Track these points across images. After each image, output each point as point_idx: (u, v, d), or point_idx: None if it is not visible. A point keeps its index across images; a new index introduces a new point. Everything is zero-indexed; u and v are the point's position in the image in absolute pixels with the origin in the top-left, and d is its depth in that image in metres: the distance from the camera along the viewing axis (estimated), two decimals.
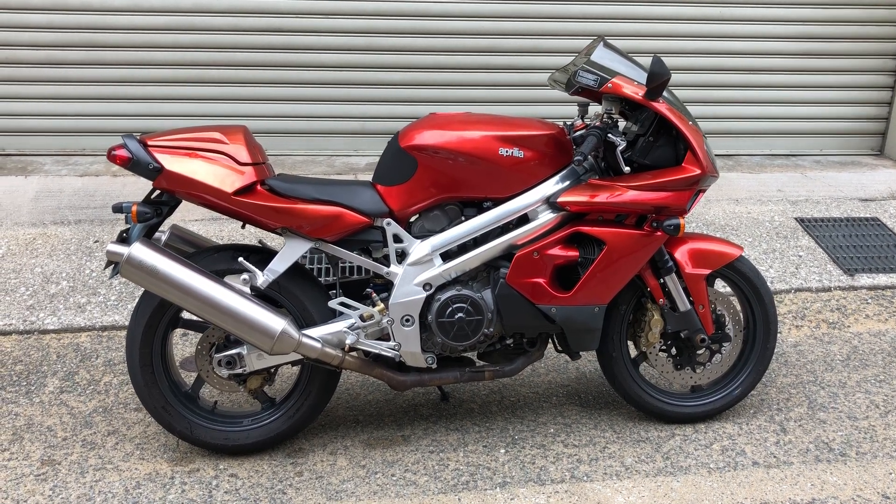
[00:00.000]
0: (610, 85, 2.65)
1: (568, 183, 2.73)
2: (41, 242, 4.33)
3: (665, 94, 2.74)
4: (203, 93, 5.35)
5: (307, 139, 5.52)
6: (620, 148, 2.64)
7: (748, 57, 5.68)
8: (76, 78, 5.25)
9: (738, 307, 3.06)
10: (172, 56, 5.27)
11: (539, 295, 2.72)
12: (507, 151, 2.67)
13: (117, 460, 2.84)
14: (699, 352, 2.96)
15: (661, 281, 2.88)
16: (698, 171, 2.70)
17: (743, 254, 2.95)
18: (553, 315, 2.74)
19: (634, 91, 2.65)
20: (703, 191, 2.83)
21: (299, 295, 2.75)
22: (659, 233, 2.73)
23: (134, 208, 2.63)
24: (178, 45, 5.26)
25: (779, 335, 3.75)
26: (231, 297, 2.58)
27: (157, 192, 2.73)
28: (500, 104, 5.52)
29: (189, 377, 3.08)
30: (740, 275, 2.95)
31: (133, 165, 2.60)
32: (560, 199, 2.69)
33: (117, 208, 2.68)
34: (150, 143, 2.65)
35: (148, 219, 2.64)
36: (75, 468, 2.80)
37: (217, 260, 2.73)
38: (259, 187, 2.66)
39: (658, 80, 2.54)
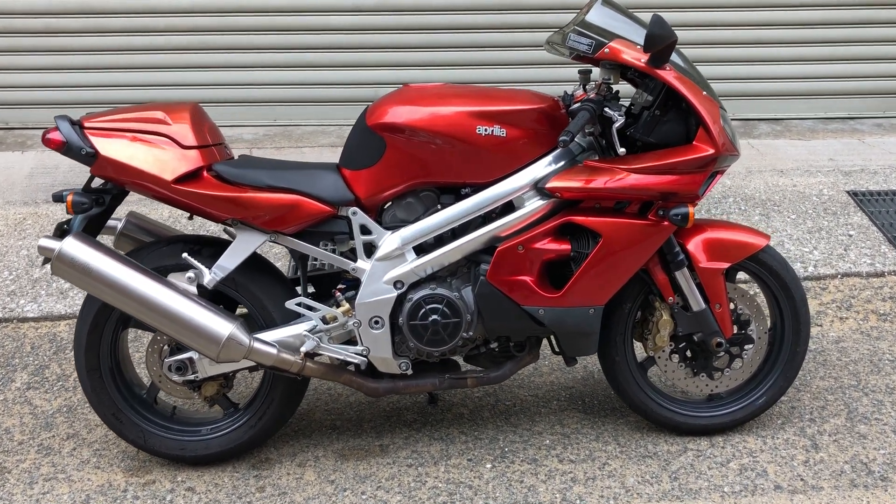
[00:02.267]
0: (607, 50, 2.26)
1: (560, 165, 2.36)
2: (31, 223, 4.13)
3: (675, 58, 2.33)
4: (206, 60, 5.07)
5: (316, 108, 5.20)
6: (617, 125, 2.25)
7: (798, 9, 5.12)
8: (77, 47, 5.02)
9: (765, 304, 2.66)
10: (174, 21, 5.00)
11: (524, 295, 2.37)
12: (485, 130, 2.31)
13: (71, 469, 2.62)
14: (717, 356, 2.57)
15: (672, 276, 2.50)
16: (711, 151, 2.29)
17: (769, 243, 2.54)
18: (541, 317, 2.39)
19: (636, 57, 2.25)
20: (721, 172, 2.43)
21: (258, 293, 2.46)
22: (665, 222, 2.35)
23: (69, 198, 2.36)
24: (179, 9, 4.98)
25: (819, 328, 3.32)
26: (173, 298, 2.30)
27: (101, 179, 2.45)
28: (515, 67, 5.10)
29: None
30: (766, 268, 2.55)
31: (67, 150, 2.33)
32: (549, 185, 2.33)
33: (57, 197, 2.42)
34: (86, 124, 2.37)
35: (86, 209, 2.38)
36: (24, 477, 2.59)
37: (166, 254, 2.45)
38: (205, 174, 2.36)
39: (658, 43, 2.13)
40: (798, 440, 2.66)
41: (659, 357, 2.59)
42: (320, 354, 2.45)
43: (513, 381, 3.02)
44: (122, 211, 2.71)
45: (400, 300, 2.41)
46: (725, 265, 2.48)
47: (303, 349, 2.38)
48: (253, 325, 2.48)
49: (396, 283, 2.41)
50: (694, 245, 2.47)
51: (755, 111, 5.26)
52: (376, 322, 2.43)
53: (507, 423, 2.78)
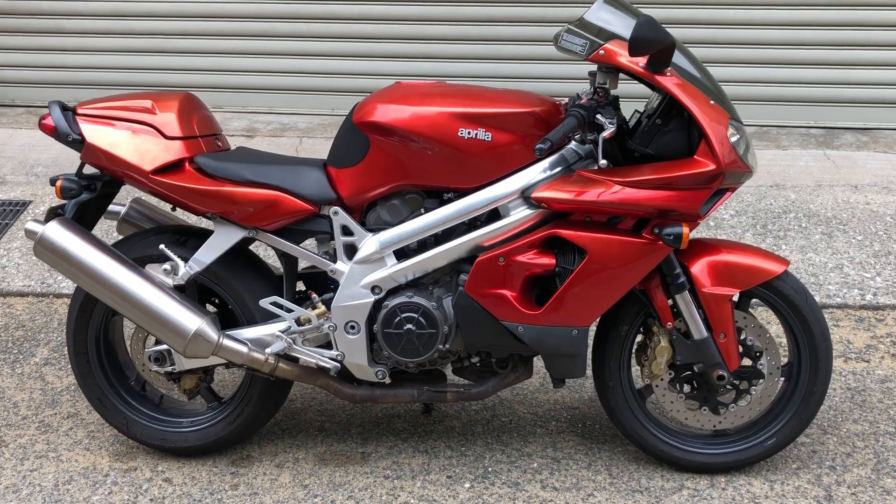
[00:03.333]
0: (602, 52, 2.08)
1: (552, 173, 2.20)
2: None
3: (680, 62, 2.12)
4: (263, 47, 5.08)
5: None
6: (605, 133, 2.07)
7: (889, 8, 4.67)
8: (139, 30, 5.14)
9: (782, 334, 2.42)
10: (233, 8, 5.03)
11: (503, 309, 2.23)
12: (468, 133, 2.17)
13: (62, 448, 2.67)
14: (720, 390, 2.36)
15: (672, 300, 2.30)
16: (712, 167, 2.08)
17: (787, 269, 2.30)
18: (520, 335, 2.24)
19: (633, 60, 2.06)
20: (732, 189, 2.21)
21: (239, 288, 2.42)
22: (661, 241, 2.15)
23: (58, 183, 2.38)
24: None
25: (866, 364, 3.01)
26: (144, 288, 2.28)
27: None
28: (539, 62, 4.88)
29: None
30: (781, 297, 2.31)
31: (57, 136, 2.35)
32: (536, 194, 2.17)
33: (53, 180, 2.44)
34: (79, 110, 2.38)
35: (74, 195, 2.39)
36: (19, 453, 2.65)
37: (153, 244, 2.44)
38: (187, 165, 2.33)
39: (646, 48, 1.94)
40: (811, 489, 2.40)
41: (657, 386, 2.40)
42: (295, 356, 2.38)
43: (514, 396, 2.87)
44: (130, 196, 2.72)
45: (377, 306, 2.32)
46: (733, 291, 2.26)
47: (268, 350, 2.32)
48: (235, 321, 2.45)
49: (374, 288, 2.31)
50: (698, 267, 2.26)
51: (839, 119, 4.85)
52: (352, 327, 2.34)
53: (497, 441, 2.65)
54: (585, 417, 2.76)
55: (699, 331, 2.29)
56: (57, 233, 2.30)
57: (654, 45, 1.94)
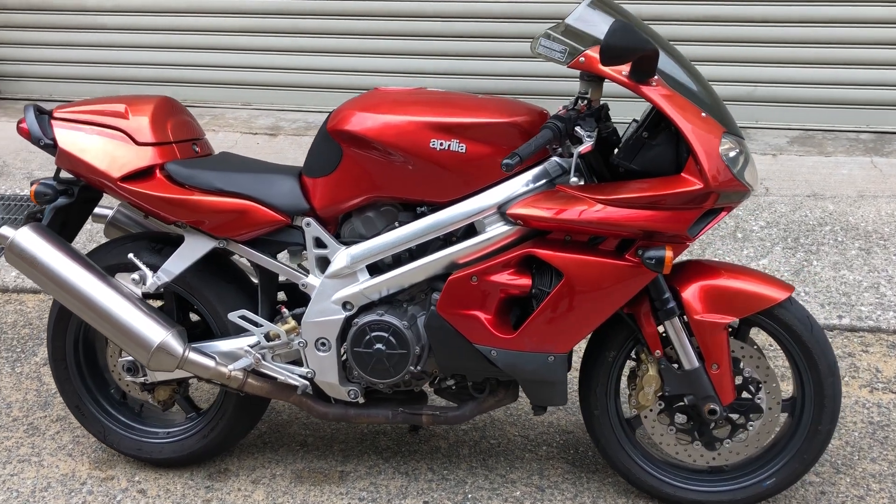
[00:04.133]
0: (582, 59, 1.92)
1: (531, 188, 2.06)
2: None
3: (671, 70, 1.95)
4: (259, 44, 5.01)
5: None
6: (581, 149, 1.91)
7: None
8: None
9: (785, 366, 2.22)
10: (222, 4, 4.98)
11: (476, 332, 2.10)
12: (440, 144, 2.04)
13: (46, 453, 2.65)
14: (714, 425, 2.18)
15: (662, 327, 2.13)
16: (699, 186, 1.91)
17: (791, 296, 2.11)
18: (494, 359, 2.11)
19: (616, 69, 1.90)
20: (727, 209, 2.03)
21: (213, 299, 2.34)
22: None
23: (33, 187, 2.34)
24: None
25: (893, 397, 2.77)
26: (111, 298, 2.23)
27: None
28: None
29: None
30: (783, 326, 2.12)
31: (32, 140, 2.31)
32: (511, 210, 2.03)
33: (33, 183, 2.41)
34: (55, 114, 2.33)
35: (49, 200, 2.35)
36: (3, 456, 2.64)
37: (128, 251, 2.38)
38: (158, 173, 2.26)
39: (618, 57, 1.78)
40: None
41: (645, 417, 2.23)
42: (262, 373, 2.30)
43: (506, 417, 2.73)
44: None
45: (348, 322, 2.21)
46: (728, 319, 2.08)
47: (231, 367, 2.24)
48: (209, 333, 2.38)
49: (345, 304, 2.21)
50: (691, 292, 2.09)
51: (893, 123, 4.53)
52: (323, 344, 2.24)
53: (482, 465, 2.52)
54: (578, 443, 2.60)
55: (690, 361, 2.12)
56: (27, 239, 2.26)
57: (629, 54, 1.78)
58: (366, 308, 2.22)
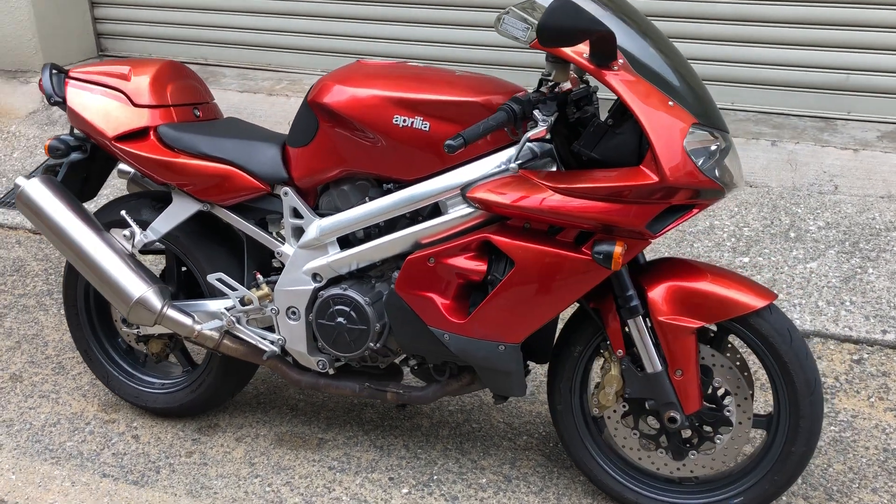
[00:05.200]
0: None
1: (498, 170, 1.99)
2: None
3: (639, 50, 1.82)
4: (384, 13, 4.98)
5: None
6: (531, 133, 1.82)
7: None
8: None
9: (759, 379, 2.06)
10: None
11: (430, 314, 2.07)
12: (403, 121, 2.01)
13: (64, 391, 2.83)
14: (676, 433, 2.06)
15: (626, 326, 2.03)
16: (654, 180, 1.78)
17: (773, 303, 1.95)
18: (447, 343, 2.07)
19: (577, 51, 1.80)
20: (700, 206, 1.89)
21: (201, 259, 2.42)
22: None
23: (47, 142, 2.48)
24: None
25: None
26: (101, 252, 2.34)
27: None
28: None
29: None
30: (759, 337, 1.97)
31: (46, 97, 2.44)
32: (471, 193, 1.97)
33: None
34: (70, 73, 2.45)
35: (61, 155, 2.48)
36: (27, 391, 2.84)
37: (123, 208, 2.47)
38: (151, 134, 2.34)
39: (558, 38, 1.67)
40: None
41: (608, 418, 2.13)
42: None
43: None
44: None
45: (316, 294, 2.23)
46: (695, 324, 1.95)
47: (199, 327, 2.31)
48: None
49: (315, 276, 2.22)
50: (658, 292, 1.97)
51: None
52: (293, 313, 2.27)
53: (457, 448, 2.49)
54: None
55: (652, 363, 2.00)
56: (35, 190, 2.40)
57: (570, 36, 1.67)
58: (335, 281, 2.22)
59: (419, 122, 2.00)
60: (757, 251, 3.26)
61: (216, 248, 2.44)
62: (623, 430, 2.13)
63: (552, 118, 1.83)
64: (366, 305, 2.15)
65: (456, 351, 2.07)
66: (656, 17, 4.18)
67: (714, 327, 2.05)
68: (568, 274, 1.92)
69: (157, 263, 3.11)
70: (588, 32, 1.67)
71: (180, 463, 2.49)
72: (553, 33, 1.65)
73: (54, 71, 2.46)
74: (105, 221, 2.46)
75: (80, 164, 2.53)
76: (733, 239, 3.34)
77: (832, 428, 2.51)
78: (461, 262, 2.02)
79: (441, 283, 2.05)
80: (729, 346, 2.08)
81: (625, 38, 1.83)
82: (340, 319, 2.18)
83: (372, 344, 2.18)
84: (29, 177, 2.47)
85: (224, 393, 2.59)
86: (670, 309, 1.96)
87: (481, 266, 2.01)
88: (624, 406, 2.11)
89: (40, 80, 2.47)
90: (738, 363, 2.07)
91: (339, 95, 2.08)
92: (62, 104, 2.42)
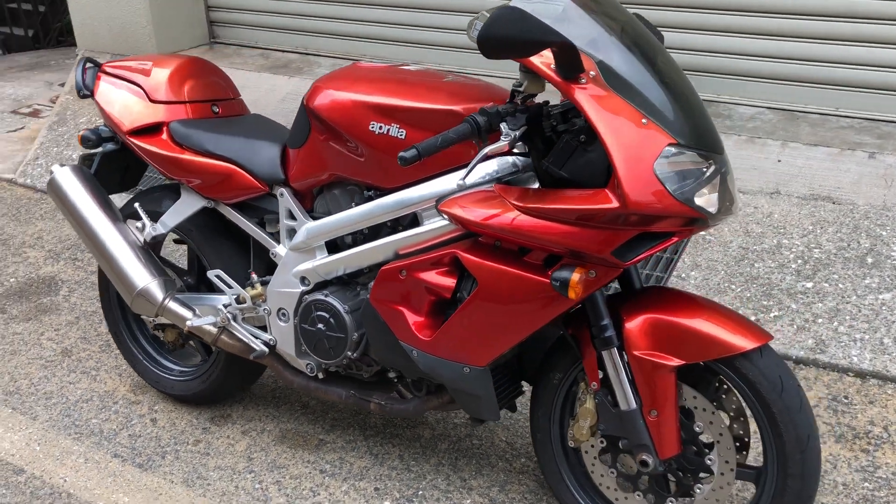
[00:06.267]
0: None
1: (476, 183, 1.89)
2: None
3: (619, 62, 1.67)
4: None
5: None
6: (487, 150, 1.70)
7: None
8: None
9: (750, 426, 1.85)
10: None
11: (401, 328, 2.00)
12: (379, 127, 1.95)
13: (104, 370, 2.98)
14: (645, 477, 1.89)
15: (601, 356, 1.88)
16: (614, 205, 1.63)
17: (768, 346, 1.75)
18: (416, 360, 2.00)
19: (546, 62, 1.67)
20: (680, 234, 1.71)
21: (211, 254, 2.47)
22: None
23: (81, 132, 2.59)
24: None
25: None
26: (113, 242, 2.43)
27: None
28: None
29: None
30: (746, 382, 1.78)
31: (77, 90, 2.55)
32: (442, 205, 1.89)
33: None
34: (103, 67, 2.55)
35: (92, 146, 2.58)
36: (72, 366, 3.01)
37: (155, 200, 2.56)
38: (164, 130, 2.39)
39: (501, 49, 1.55)
40: None
41: (586, 452, 1.99)
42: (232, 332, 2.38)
43: (503, 420, 2.58)
44: None
45: (302, 298, 2.21)
46: (674, 362, 1.78)
47: (197, 321, 2.34)
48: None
49: (303, 279, 2.21)
50: (636, 323, 1.81)
51: None
52: (283, 314, 2.27)
53: (451, 464, 2.41)
54: None
55: (627, 400, 1.85)
56: (63, 177, 2.52)
57: (519, 47, 1.54)
58: (322, 286, 2.20)
59: (395, 130, 1.93)
60: (824, 276, 2.96)
61: (225, 244, 2.47)
62: (601, 468, 1.98)
63: (517, 132, 1.71)
64: (344, 313, 2.11)
65: (424, 369, 2.00)
66: (759, 11, 3.88)
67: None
68: (530, 298, 1.80)
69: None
70: (539, 43, 1.54)
71: (186, 450, 2.55)
72: (496, 43, 1.53)
73: (89, 65, 2.56)
74: (127, 213, 2.54)
75: (115, 155, 2.62)
76: (800, 261, 3.05)
77: (866, 485, 2.24)
78: (432, 276, 1.94)
79: (412, 297, 1.97)
80: (724, 388, 1.88)
81: (603, 47, 1.69)
82: (320, 325, 2.15)
83: (349, 353, 2.14)
84: (63, 165, 2.59)
85: (230, 386, 2.63)
86: (647, 343, 1.79)
87: (451, 282, 1.92)
88: (602, 442, 1.97)
89: (73, 73, 2.58)
90: (733, 408, 1.87)
91: (323, 99, 2.05)
92: (91, 97, 2.51)
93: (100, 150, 2.59)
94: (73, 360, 3.04)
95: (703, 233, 3.29)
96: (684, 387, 1.84)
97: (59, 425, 2.70)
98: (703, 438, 1.87)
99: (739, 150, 3.68)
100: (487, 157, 1.77)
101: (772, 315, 2.85)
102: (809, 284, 2.94)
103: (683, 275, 3.11)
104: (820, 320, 2.81)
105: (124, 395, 2.84)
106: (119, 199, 2.79)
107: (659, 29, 1.98)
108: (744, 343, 1.74)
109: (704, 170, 1.67)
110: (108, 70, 2.53)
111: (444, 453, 2.46)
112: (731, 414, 1.89)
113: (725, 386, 1.88)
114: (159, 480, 2.44)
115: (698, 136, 1.69)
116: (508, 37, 1.52)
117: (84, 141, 2.58)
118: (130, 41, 5.72)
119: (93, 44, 5.97)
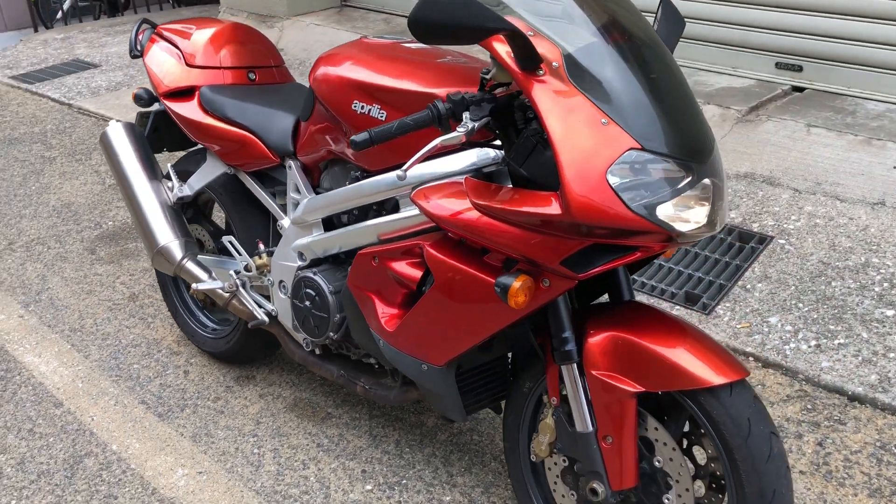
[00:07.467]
0: None
1: (451, 172, 1.79)
2: None
3: (592, 57, 1.51)
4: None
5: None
6: (436, 141, 1.58)
7: None
8: None
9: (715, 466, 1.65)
10: None
11: (370, 315, 1.95)
12: (362, 107, 1.88)
13: (159, 319, 3.13)
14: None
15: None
16: (555, 212, 1.48)
17: (742, 383, 1.55)
18: (382, 349, 1.94)
19: (509, 52, 1.53)
20: (643, 251, 1.54)
21: (235, 219, 2.51)
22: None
23: (134, 91, 2.69)
24: None
25: None
26: (145, 199, 2.52)
27: None
28: None
29: None
30: (709, 420, 1.58)
31: (130, 51, 2.65)
32: (414, 195, 1.80)
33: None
34: (158, 29, 2.63)
35: (144, 104, 2.68)
36: (134, 311, 3.19)
37: (195, 161, 2.63)
38: (196, 94, 2.44)
39: (436, 34, 1.42)
40: None
41: (549, 469, 1.86)
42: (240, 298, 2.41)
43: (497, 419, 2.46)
44: None
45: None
46: (635, 388, 1.61)
47: (205, 285, 2.38)
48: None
49: (301, 254, 2.19)
50: (598, 340, 1.65)
51: None
52: (283, 287, 2.28)
53: (443, 458, 2.35)
54: None
55: (583, 421, 1.70)
56: (114, 133, 2.63)
57: (455, 32, 1.40)
58: (316, 263, 2.17)
59: (376, 111, 1.86)
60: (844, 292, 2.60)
61: (248, 211, 2.50)
62: (562, 488, 1.85)
63: (476, 124, 1.58)
64: (328, 293, 2.08)
65: (389, 359, 1.93)
66: None
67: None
68: (482, 301, 1.68)
69: None
70: (480, 30, 1.40)
71: (204, 406, 2.64)
72: (426, 27, 1.41)
73: (146, 25, 2.64)
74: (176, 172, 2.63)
75: (167, 115, 2.71)
76: (886, 284, 2.69)
77: None
78: (401, 266, 1.86)
79: (382, 285, 1.91)
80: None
81: (577, 37, 1.52)
82: (307, 303, 2.14)
83: (332, 333, 2.11)
84: (118, 122, 2.71)
85: (251, 350, 2.68)
86: (606, 363, 1.63)
87: (417, 274, 1.84)
88: (564, 461, 1.83)
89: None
90: (712, 445, 1.68)
91: (319, 75, 2.00)
92: (141, 57, 2.60)
93: (153, 108, 2.68)
94: (136, 305, 3.21)
95: (781, 241, 2.97)
96: (649, 417, 1.67)
97: (105, 366, 2.87)
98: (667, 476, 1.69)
99: (850, 151, 3.29)
100: (442, 149, 1.66)
101: (836, 342, 2.54)
102: (890, 313, 2.59)
103: (749, 286, 2.83)
104: (892, 355, 2.47)
105: (169, 345, 2.97)
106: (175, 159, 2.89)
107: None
108: (710, 377, 1.54)
109: (675, 178, 1.48)
110: (160, 31, 2.60)
111: (441, 445, 2.40)
112: (710, 452, 1.69)
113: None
114: (171, 432, 2.54)
115: (679, 142, 1.50)
116: (430, 21, 1.39)
117: (137, 99, 2.68)
118: (265, 2, 5.93)
119: (235, 2, 6.24)
